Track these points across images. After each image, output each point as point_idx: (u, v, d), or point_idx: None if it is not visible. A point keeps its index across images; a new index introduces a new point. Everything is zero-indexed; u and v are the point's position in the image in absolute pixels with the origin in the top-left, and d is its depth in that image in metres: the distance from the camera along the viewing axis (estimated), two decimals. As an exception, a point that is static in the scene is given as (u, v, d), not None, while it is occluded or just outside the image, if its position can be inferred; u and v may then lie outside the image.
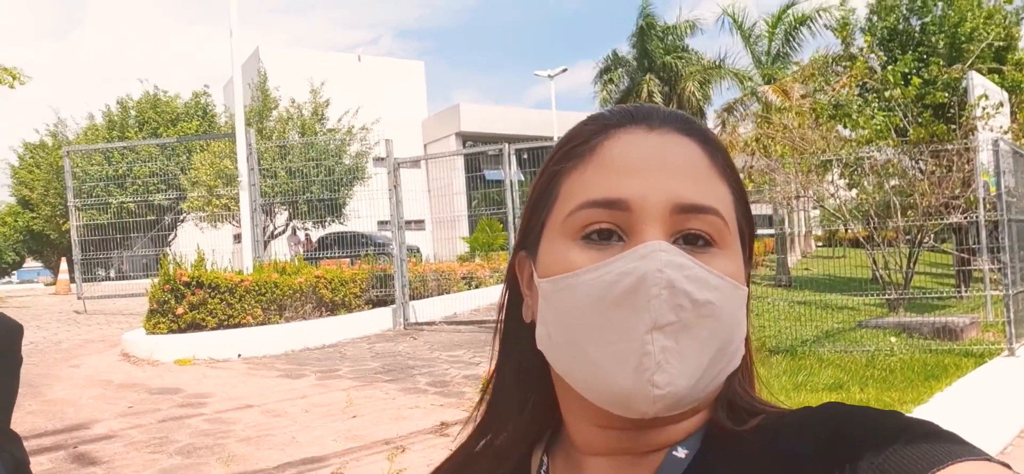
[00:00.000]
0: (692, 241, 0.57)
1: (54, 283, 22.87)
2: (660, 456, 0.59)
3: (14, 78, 14.20)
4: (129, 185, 20.11)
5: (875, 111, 11.78)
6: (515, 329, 0.67)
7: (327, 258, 14.16)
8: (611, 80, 30.05)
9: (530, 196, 0.65)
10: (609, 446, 0.61)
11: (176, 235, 19.78)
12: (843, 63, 14.36)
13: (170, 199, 17.72)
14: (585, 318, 0.55)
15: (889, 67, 12.43)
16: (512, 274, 0.67)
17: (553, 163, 0.62)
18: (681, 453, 0.59)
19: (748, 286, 0.61)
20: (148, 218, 16.96)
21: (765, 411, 0.61)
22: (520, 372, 0.68)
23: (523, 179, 14.15)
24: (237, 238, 19.36)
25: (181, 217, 19.50)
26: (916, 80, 11.68)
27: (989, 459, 0.46)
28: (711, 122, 27.19)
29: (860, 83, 12.71)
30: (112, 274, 17.27)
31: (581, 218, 0.57)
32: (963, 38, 13.24)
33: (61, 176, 24.12)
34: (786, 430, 0.56)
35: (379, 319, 10.46)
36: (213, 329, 8.43)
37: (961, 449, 0.47)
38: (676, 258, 0.54)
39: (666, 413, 0.54)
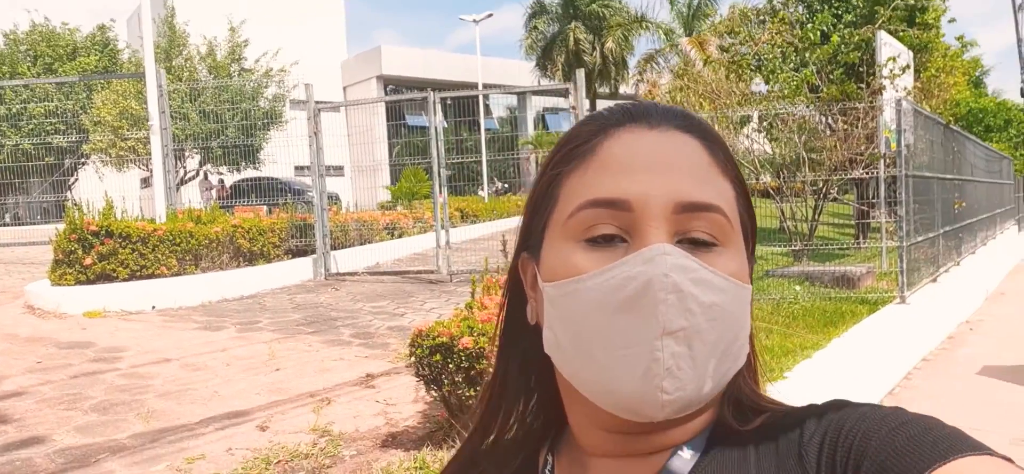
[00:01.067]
0: (696, 241, 0.56)
1: (-57, 229, 21.40)
2: (665, 456, 0.60)
3: None
4: (24, 125, 18.90)
5: (793, 67, 12.20)
6: (517, 329, 0.67)
7: (242, 205, 13.77)
8: (537, 27, 29.96)
9: (530, 198, 0.65)
10: (614, 448, 0.61)
11: (77, 179, 18.80)
12: (764, 16, 14.73)
13: (71, 141, 16.76)
14: (592, 323, 0.55)
15: (808, 24, 12.84)
16: (515, 275, 0.67)
17: (553, 165, 0.62)
18: (686, 454, 0.59)
19: (751, 281, 0.61)
20: (47, 161, 16.06)
21: (770, 409, 0.61)
22: (524, 372, 0.68)
23: (447, 126, 14.04)
24: (144, 182, 18.56)
25: (82, 160, 18.52)
26: (835, 37, 12.13)
27: (991, 453, 0.47)
28: (631, 73, 27.56)
29: (778, 37, 13.09)
30: (7, 219, 16.34)
31: (583, 219, 0.57)
32: None
33: (-54, 114, 22.45)
34: (790, 428, 0.56)
35: (299, 269, 10.31)
36: (125, 280, 8.12)
37: (964, 444, 0.47)
38: (681, 261, 0.54)
39: (674, 416, 0.55)
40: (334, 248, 10.95)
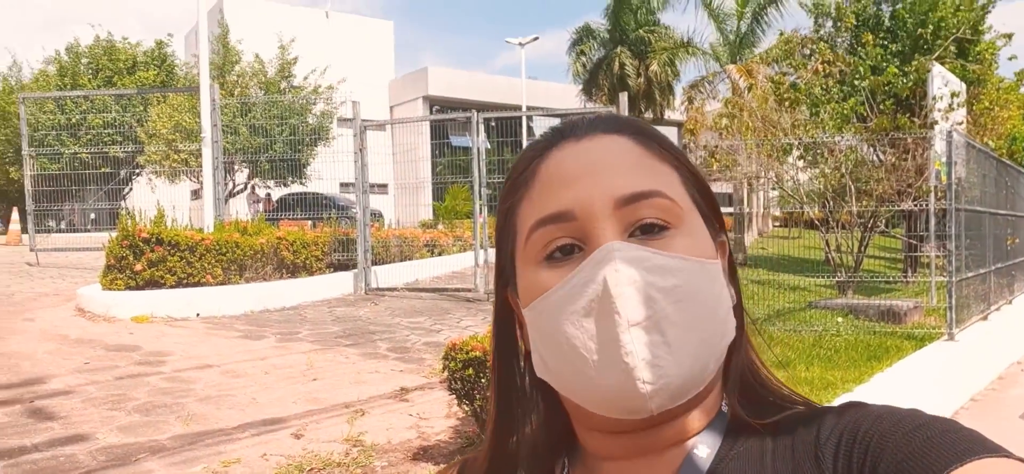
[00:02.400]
0: (648, 230, 0.57)
1: (5, 233, 22.26)
2: (680, 452, 0.60)
3: None
4: (83, 135, 19.59)
5: (840, 97, 12.03)
6: (512, 359, 0.68)
7: (288, 219, 14.04)
8: (583, 51, 30.06)
9: (496, 236, 0.67)
10: (624, 450, 0.61)
11: (131, 189, 19.38)
12: (812, 45, 14.56)
13: (126, 152, 17.31)
14: (565, 335, 0.56)
15: (859, 56, 12.65)
16: (503, 311, 0.68)
17: (504, 200, 0.65)
18: (703, 451, 0.59)
19: (731, 255, 0.63)
20: (103, 170, 16.59)
21: (785, 403, 0.62)
22: (526, 395, 0.68)
23: (490, 147, 14.15)
24: (195, 194, 19.06)
25: (137, 171, 19.10)
26: (891, 69, 11.94)
27: (1008, 455, 0.47)
28: (678, 99, 27.42)
29: (827, 68, 12.92)
30: (64, 226, 16.90)
31: (537, 240, 0.59)
32: (931, 28, 13.51)
33: (10, 122, 23.37)
34: (807, 427, 0.56)
35: (340, 283, 10.45)
36: (172, 287, 8.34)
37: (981, 446, 0.47)
38: (631, 253, 0.55)
39: (669, 404, 0.55)
40: (375, 263, 11.08)
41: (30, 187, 12.74)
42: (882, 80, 11.60)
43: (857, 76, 12.03)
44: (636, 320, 0.53)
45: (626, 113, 9.68)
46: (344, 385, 5.53)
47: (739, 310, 0.64)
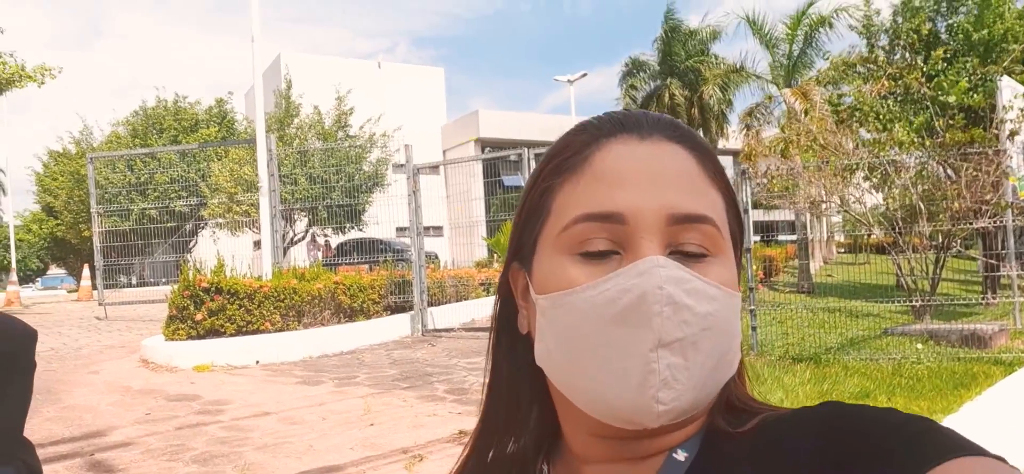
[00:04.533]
0: (687, 254, 0.57)
1: (77, 289, 23.11)
2: (658, 460, 0.60)
3: (45, 72, 14.39)
4: (150, 192, 20.30)
5: (908, 114, 11.61)
6: (509, 340, 0.67)
7: (346, 264, 14.18)
8: (634, 86, 30.02)
9: (520, 210, 0.65)
10: (608, 454, 0.61)
11: (197, 242, 19.94)
12: (867, 64, 14.16)
13: (190, 205, 17.84)
14: (585, 335, 0.55)
15: (942, 73, 12.21)
16: (506, 286, 0.67)
17: (544, 178, 0.62)
18: (680, 456, 0.59)
19: (739, 289, 0.61)
20: (169, 225, 17.10)
21: (762, 412, 0.61)
22: (516, 382, 0.68)
23: (542, 185, 14.07)
24: (257, 245, 19.47)
25: (201, 224, 19.65)
26: (963, 83, 11.51)
27: (985, 454, 0.46)
28: (734, 126, 27.03)
29: (891, 85, 12.51)
30: (133, 281, 17.43)
31: (577, 233, 0.57)
32: (996, 39, 13.00)
33: (83, 183, 24.44)
34: (783, 431, 0.56)
35: (397, 325, 10.43)
36: (232, 335, 8.42)
37: (956, 445, 0.47)
38: (676, 273, 0.54)
39: (670, 423, 0.55)
40: (431, 304, 11.04)
41: (99, 243, 13.16)
42: (958, 90, 11.14)
43: (940, 90, 11.57)
44: (668, 341, 0.53)
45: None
46: (402, 429, 5.41)
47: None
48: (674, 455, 0.59)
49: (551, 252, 0.59)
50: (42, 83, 14.60)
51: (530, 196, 0.63)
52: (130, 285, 17.34)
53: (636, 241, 0.56)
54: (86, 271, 20.25)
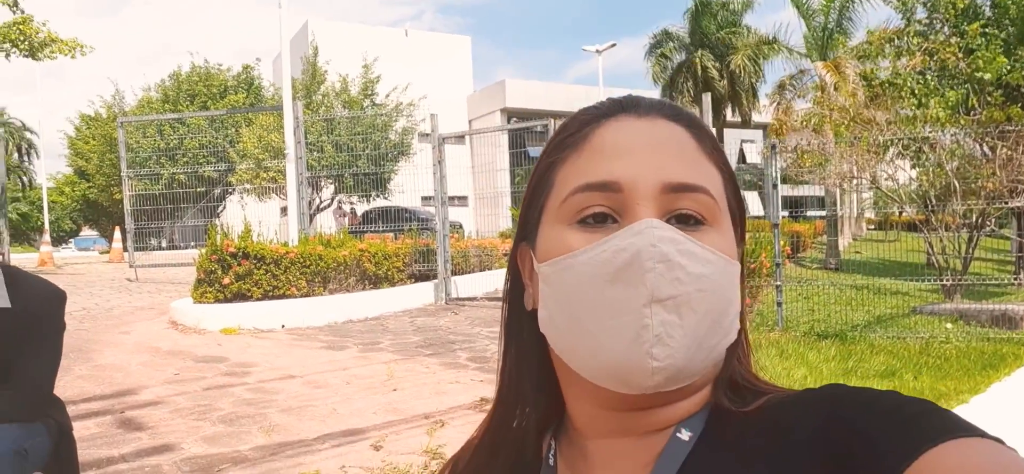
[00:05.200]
0: (684, 220, 0.58)
1: (108, 251, 23.54)
2: (663, 437, 0.61)
3: (77, 47, 14.62)
4: (180, 157, 20.52)
5: (945, 89, 11.33)
6: (518, 319, 0.69)
7: (371, 232, 14.25)
8: (664, 54, 29.63)
9: (527, 188, 0.67)
10: (610, 428, 0.62)
11: (224, 207, 20.17)
12: (902, 37, 13.82)
13: (219, 171, 18.02)
14: (584, 296, 0.57)
15: (979, 49, 11.88)
16: (514, 265, 0.69)
17: (548, 154, 0.65)
18: (685, 434, 0.60)
19: (742, 264, 0.63)
20: (198, 190, 17.30)
21: (767, 392, 0.62)
22: (523, 359, 0.69)
23: (567, 156, 14.01)
24: (284, 211, 19.63)
25: (229, 189, 19.86)
26: (1001, 59, 11.20)
27: (983, 435, 0.47)
28: (763, 100, 26.60)
29: (926, 61, 12.21)
30: (163, 244, 17.70)
31: (576, 202, 0.60)
32: None
33: (115, 147, 24.79)
34: (786, 412, 0.57)
35: (421, 293, 10.50)
36: (258, 300, 8.54)
37: (956, 426, 0.47)
38: (669, 233, 0.56)
39: (665, 387, 0.56)
40: (455, 274, 11.08)
41: (129, 207, 13.35)
42: (996, 65, 10.83)
43: (976, 67, 11.26)
44: (661, 297, 0.54)
45: (710, 116, 9.36)
46: (424, 395, 5.46)
47: (742, 317, 0.64)
48: (678, 434, 0.60)
49: (553, 223, 0.62)
50: (74, 57, 14.81)
51: (535, 174, 0.66)
52: (160, 248, 17.60)
53: (633, 208, 0.58)
54: (117, 233, 20.60)
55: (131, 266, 13.64)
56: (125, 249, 16.24)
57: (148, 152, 19.80)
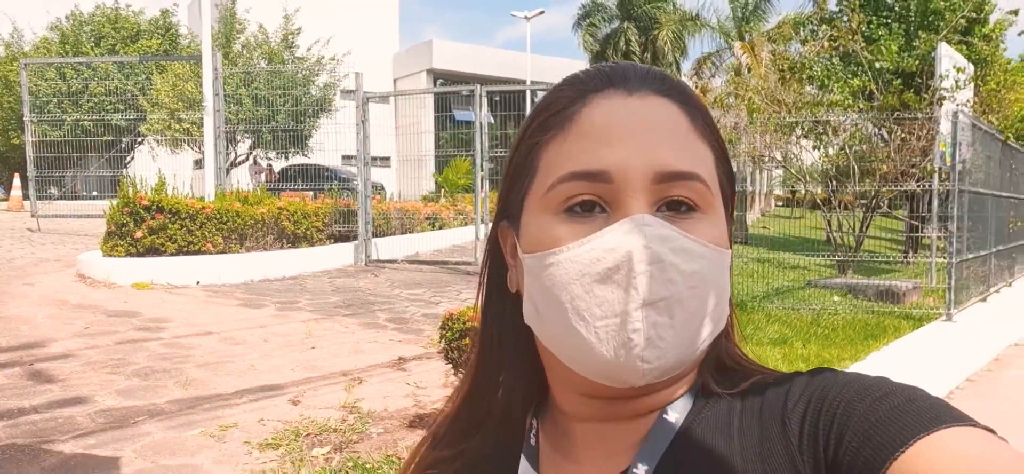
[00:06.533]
0: (675, 206, 0.56)
1: (7, 200, 22.26)
2: (649, 419, 0.60)
3: None
4: (85, 103, 19.51)
5: (848, 75, 11.97)
6: (498, 298, 0.67)
7: (290, 190, 14.03)
8: (594, 24, 29.88)
9: (508, 167, 0.64)
10: (596, 413, 0.61)
11: (133, 158, 19.34)
12: (815, 23, 14.47)
13: (128, 120, 17.26)
14: (571, 294, 0.55)
15: (882, 38, 12.56)
16: (495, 244, 0.67)
17: (530, 134, 0.61)
18: (672, 415, 0.59)
19: (731, 245, 0.60)
20: (104, 138, 16.55)
21: (754, 374, 0.61)
22: (504, 340, 0.68)
23: (493, 122, 14.10)
24: (198, 164, 19.02)
25: (139, 140, 19.06)
26: (893, 46, 11.87)
27: (974, 424, 0.47)
28: (685, 76, 27.30)
29: (835, 46, 12.85)
30: (65, 193, 16.91)
31: (563, 191, 0.57)
32: (937, 8, 13.40)
33: (13, 89, 23.30)
34: (774, 394, 0.56)
35: (341, 254, 10.47)
36: (172, 255, 8.36)
37: (947, 415, 0.47)
38: (661, 231, 0.54)
39: (656, 381, 0.55)
40: (376, 236, 11.09)
41: (31, 154, 12.72)
42: (889, 55, 11.53)
43: (878, 56, 11.93)
44: (652, 300, 0.52)
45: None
46: (342, 354, 5.55)
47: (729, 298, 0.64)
48: (665, 415, 0.59)
49: (538, 211, 0.59)
50: None
51: (517, 153, 0.62)
52: (61, 197, 16.82)
53: (623, 198, 0.55)
54: (16, 180, 19.50)
55: (33, 215, 13.02)
56: (25, 197, 15.44)
57: (48, 96, 18.71)
